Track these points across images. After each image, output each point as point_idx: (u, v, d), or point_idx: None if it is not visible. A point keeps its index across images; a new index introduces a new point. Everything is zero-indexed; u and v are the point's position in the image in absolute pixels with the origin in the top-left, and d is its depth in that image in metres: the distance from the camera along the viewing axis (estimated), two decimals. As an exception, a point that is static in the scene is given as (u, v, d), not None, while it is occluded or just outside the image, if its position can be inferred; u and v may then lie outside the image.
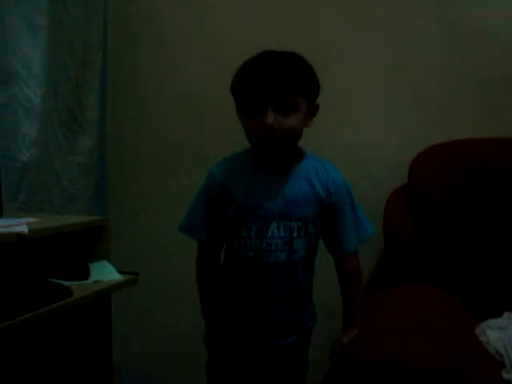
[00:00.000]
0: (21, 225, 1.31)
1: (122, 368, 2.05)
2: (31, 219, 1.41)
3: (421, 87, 1.75)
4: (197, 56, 1.98)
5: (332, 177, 1.31)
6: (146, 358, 2.10)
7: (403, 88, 1.77)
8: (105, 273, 1.51)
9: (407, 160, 1.65)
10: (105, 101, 2.09)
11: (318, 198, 1.29)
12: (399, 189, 1.67)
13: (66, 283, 1.40)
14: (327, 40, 1.81)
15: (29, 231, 1.28)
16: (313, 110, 1.28)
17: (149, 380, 2.10)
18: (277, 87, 1.18)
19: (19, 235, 1.26)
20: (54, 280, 1.41)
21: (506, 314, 1.35)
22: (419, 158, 1.64)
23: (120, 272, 1.53)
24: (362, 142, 1.80)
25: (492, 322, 1.32)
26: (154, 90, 2.06)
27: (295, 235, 1.28)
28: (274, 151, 1.24)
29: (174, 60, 2.03)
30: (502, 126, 1.66)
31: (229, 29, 1.93)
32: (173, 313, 2.04)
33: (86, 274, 1.47)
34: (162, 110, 2.05)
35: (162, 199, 2.06)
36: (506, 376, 1.16)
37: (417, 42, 1.75)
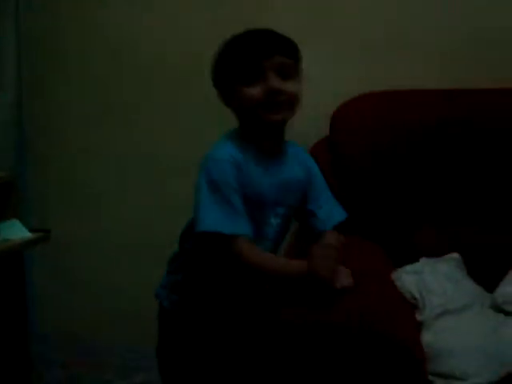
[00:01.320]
0: None
1: (46, 330, 2.01)
2: None
3: (343, 34, 1.72)
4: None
5: (309, 161, 1.30)
6: (70, 319, 2.04)
7: (327, 34, 1.73)
8: (14, 231, 1.45)
9: (328, 113, 1.61)
10: (19, 55, 1.97)
11: (303, 182, 1.24)
12: (321, 141, 1.65)
13: (-29, 243, 1.33)
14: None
15: None
16: None
17: (73, 341, 2.05)
18: (283, 50, 1.13)
19: None
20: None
21: (422, 260, 1.36)
22: (341, 109, 1.61)
23: (32, 230, 1.47)
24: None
25: (408, 267, 1.33)
26: (74, 44, 1.95)
27: (284, 221, 1.22)
28: (278, 116, 1.13)
29: (98, 9, 1.90)
30: (427, 78, 1.66)
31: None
32: (93, 270, 2.00)
33: (-8, 233, 1.40)
34: (83, 59, 1.94)
35: (85, 158, 1.98)
36: (419, 317, 1.18)
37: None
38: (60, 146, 1.99)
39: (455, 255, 1.39)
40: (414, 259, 1.39)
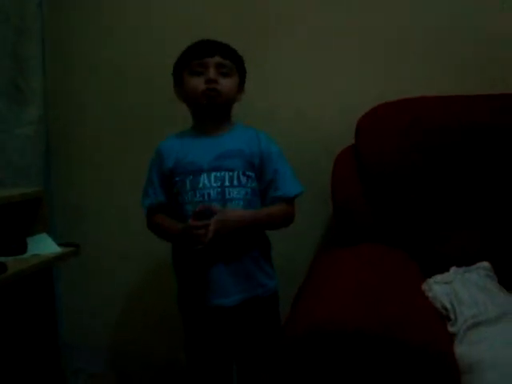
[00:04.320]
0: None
1: (75, 342, 2.03)
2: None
3: (368, 46, 1.72)
4: (145, 19, 1.90)
5: (263, 140, 1.46)
6: (98, 332, 2.05)
7: (350, 47, 1.73)
8: (44, 246, 1.46)
9: (355, 120, 1.60)
10: (45, 69, 1.99)
11: (247, 154, 1.43)
12: (346, 149, 1.64)
13: (2, 259, 1.35)
14: (273, 2, 1.77)
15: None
16: (240, 88, 1.50)
17: (104, 353, 2.06)
18: (222, 51, 1.44)
19: None
20: (-13, 256, 1.35)
21: (452, 269, 1.34)
22: (366, 117, 1.60)
23: (60, 244, 1.48)
24: (308, 103, 1.77)
25: (438, 277, 1.31)
26: (97, 59, 1.97)
27: (227, 184, 1.39)
28: (213, 100, 1.41)
29: (120, 25, 1.94)
30: (449, 84, 1.64)
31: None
32: (120, 283, 2.01)
33: (22, 248, 1.42)
34: (108, 79, 1.97)
35: (109, 171, 2.00)
36: (451, 329, 1.15)
37: (366, 2, 1.71)
38: (85, 160, 2.01)
39: (485, 264, 1.37)
40: (443, 268, 1.37)
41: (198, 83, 1.41)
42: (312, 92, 1.77)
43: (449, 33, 1.66)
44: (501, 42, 1.61)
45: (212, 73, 1.41)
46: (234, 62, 1.46)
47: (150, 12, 1.88)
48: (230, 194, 1.39)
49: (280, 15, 1.77)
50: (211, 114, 1.45)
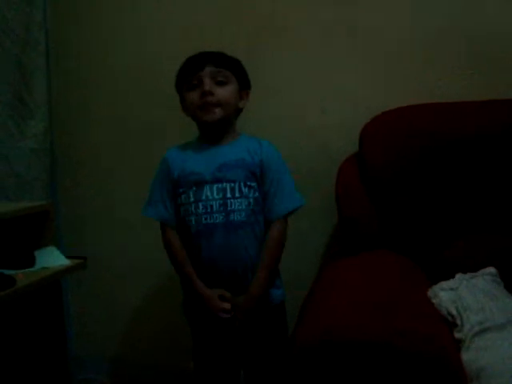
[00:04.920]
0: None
1: (83, 353, 2.04)
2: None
3: (371, 52, 1.72)
4: (144, 30, 1.91)
5: (264, 149, 1.46)
6: (106, 342, 2.06)
7: (353, 53, 1.74)
8: (52, 259, 1.48)
9: (358, 128, 1.61)
10: (49, 82, 2.01)
11: (248, 163, 1.44)
12: (351, 157, 1.65)
13: (10, 272, 1.36)
14: (274, 4, 1.78)
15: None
16: (243, 93, 1.50)
17: (112, 363, 2.07)
18: (213, 61, 1.44)
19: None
20: (-4, 270, 1.36)
21: (458, 275, 1.34)
22: (370, 125, 1.61)
23: (68, 257, 1.49)
24: (311, 111, 1.78)
25: (444, 283, 1.31)
26: (102, 71, 1.99)
27: (229, 195, 1.40)
28: (212, 116, 1.42)
29: (123, 38, 1.95)
30: (454, 92, 1.65)
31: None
32: (129, 295, 2.02)
33: (31, 262, 1.43)
34: (112, 91, 1.98)
35: (116, 184, 2.01)
36: (457, 335, 1.15)
37: (367, 5, 1.71)
38: (90, 173, 2.02)
39: (491, 269, 1.36)
40: (449, 274, 1.37)
41: (194, 98, 1.43)
42: (314, 100, 1.78)
43: (451, 37, 1.67)
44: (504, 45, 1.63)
45: (206, 84, 1.41)
46: (230, 69, 1.46)
47: (152, 23, 1.90)
48: (231, 206, 1.40)
49: (279, 22, 1.77)
50: (213, 129, 1.46)
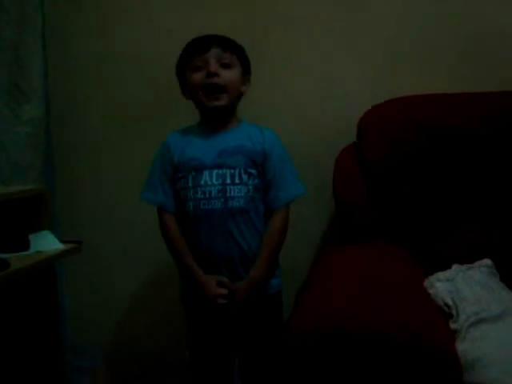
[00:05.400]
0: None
1: (77, 339, 2.04)
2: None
3: (371, 46, 1.72)
4: (147, 17, 1.89)
5: (267, 138, 1.45)
6: (100, 329, 2.06)
7: (350, 45, 1.74)
8: (46, 243, 1.47)
9: (357, 118, 1.61)
10: (46, 69, 1.99)
11: (249, 150, 1.42)
12: (349, 147, 1.64)
13: (4, 255, 1.35)
14: (274, 2, 1.78)
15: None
16: (245, 79, 1.49)
17: (106, 350, 2.07)
18: (219, 43, 1.42)
19: None
20: (-10, 253, 1.36)
21: (454, 266, 1.34)
22: (368, 114, 1.60)
23: (63, 241, 1.48)
24: (309, 101, 1.77)
25: (440, 274, 1.31)
26: (99, 57, 1.97)
27: (228, 181, 1.39)
28: (218, 102, 1.41)
29: (121, 24, 1.93)
30: (449, 82, 1.65)
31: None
32: (125, 282, 2.01)
33: (25, 245, 1.43)
34: (109, 77, 1.96)
35: (111, 171, 2.00)
36: (453, 325, 1.15)
37: (366, 1, 1.72)
38: (88, 158, 2.01)
39: (488, 261, 1.36)
40: (444, 266, 1.37)
41: (199, 78, 1.41)
42: (312, 90, 1.77)
43: (448, 30, 1.66)
44: (501, 38, 1.63)
45: (212, 65, 1.39)
46: (235, 52, 1.44)
47: (152, 12, 1.88)
48: (230, 192, 1.39)
49: (280, 15, 1.77)
50: (216, 115, 1.45)
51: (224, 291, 1.39)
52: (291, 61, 1.78)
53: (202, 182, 1.40)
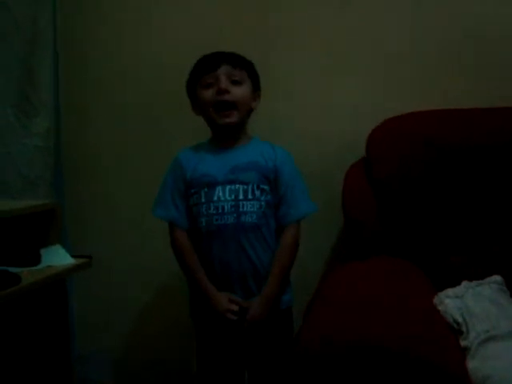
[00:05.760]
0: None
1: (88, 354, 2.04)
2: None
3: (376, 60, 1.73)
4: (157, 32, 1.91)
5: (279, 155, 1.47)
6: (111, 343, 2.06)
7: (358, 61, 1.75)
8: (57, 257, 1.48)
9: (364, 134, 1.61)
10: (57, 82, 2.01)
11: (262, 166, 1.44)
12: (358, 162, 1.65)
13: (16, 270, 1.36)
14: (280, 15, 1.78)
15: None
16: (256, 95, 1.50)
17: (115, 363, 2.07)
18: (229, 60, 1.44)
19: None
20: (1, 268, 1.36)
21: (464, 283, 1.34)
22: (377, 130, 1.61)
23: (73, 256, 1.49)
24: (319, 116, 1.78)
25: (450, 291, 1.30)
26: (110, 71, 1.98)
27: (241, 197, 1.40)
28: (229, 119, 1.43)
29: (131, 38, 1.94)
30: (460, 99, 1.65)
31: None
32: (133, 295, 2.01)
33: (36, 260, 1.44)
34: (120, 91, 1.97)
35: (120, 184, 2.00)
36: (463, 343, 1.15)
37: (370, 16, 1.72)
38: (98, 171, 2.02)
39: (498, 277, 1.36)
40: (454, 282, 1.37)
41: (210, 95, 1.43)
42: (322, 105, 1.78)
43: (458, 44, 1.68)
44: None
45: (223, 82, 1.41)
46: (245, 69, 1.46)
47: (164, 26, 1.89)
48: (243, 208, 1.40)
49: (286, 28, 1.78)
50: (227, 132, 1.47)
51: (235, 307, 1.40)
52: (300, 74, 1.79)
53: (215, 198, 1.41)
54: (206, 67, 1.44)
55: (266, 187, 1.43)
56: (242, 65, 1.46)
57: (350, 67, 1.75)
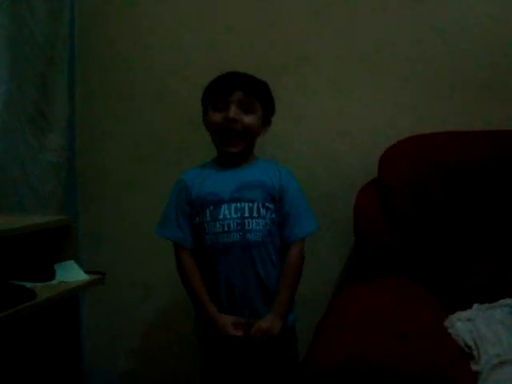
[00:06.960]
0: (-19, 225, 1.28)
1: (96, 369, 2.04)
2: (-6, 220, 1.38)
3: (390, 80, 1.74)
4: (171, 52, 1.94)
5: (283, 175, 1.48)
6: (120, 358, 2.06)
7: (371, 81, 1.76)
8: (71, 273, 1.48)
9: (376, 155, 1.62)
10: (73, 98, 2.04)
11: (267, 185, 1.45)
12: (369, 184, 1.66)
13: (30, 285, 1.37)
14: (297, 34, 1.80)
15: (-9, 232, 1.25)
16: (266, 121, 1.51)
17: (125, 380, 2.07)
18: (243, 88, 1.43)
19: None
20: (17, 282, 1.37)
21: (475, 306, 1.35)
22: (389, 151, 1.61)
23: (87, 272, 1.50)
24: (331, 138, 1.79)
25: (461, 314, 1.31)
26: (125, 88, 2.01)
27: (247, 215, 1.41)
28: (233, 147, 1.45)
29: (147, 57, 1.97)
30: (473, 120, 1.66)
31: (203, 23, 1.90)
32: (143, 311, 2.02)
33: (51, 275, 1.45)
34: (134, 108, 1.99)
35: (133, 201, 2.02)
36: (474, 367, 1.15)
37: (382, 40, 1.74)
38: (111, 188, 2.04)
39: (509, 300, 1.36)
40: (466, 304, 1.38)
41: (218, 118, 1.44)
42: (333, 127, 1.79)
43: (472, 66, 1.69)
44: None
45: (232, 111, 1.41)
46: (258, 97, 1.46)
47: (179, 45, 1.92)
48: (249, 225, 1.42)
49: (299, 51, 1.80)
50: (232, 157, 1.48)
51: (240, 333, 1.41)
52: (311, 95, 1.80)
53: (221, 216, 1.42)
54: (219, 92, 1.45)
55: (270, 205, 1.44)
56: (255, 92, 1.46)
57: (364, 90, 1.76)
